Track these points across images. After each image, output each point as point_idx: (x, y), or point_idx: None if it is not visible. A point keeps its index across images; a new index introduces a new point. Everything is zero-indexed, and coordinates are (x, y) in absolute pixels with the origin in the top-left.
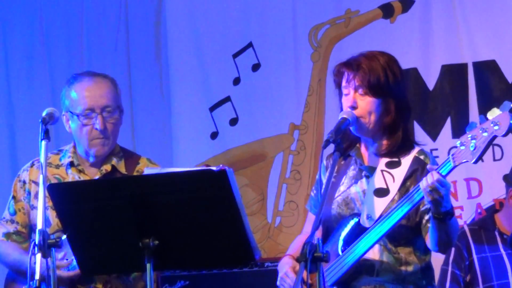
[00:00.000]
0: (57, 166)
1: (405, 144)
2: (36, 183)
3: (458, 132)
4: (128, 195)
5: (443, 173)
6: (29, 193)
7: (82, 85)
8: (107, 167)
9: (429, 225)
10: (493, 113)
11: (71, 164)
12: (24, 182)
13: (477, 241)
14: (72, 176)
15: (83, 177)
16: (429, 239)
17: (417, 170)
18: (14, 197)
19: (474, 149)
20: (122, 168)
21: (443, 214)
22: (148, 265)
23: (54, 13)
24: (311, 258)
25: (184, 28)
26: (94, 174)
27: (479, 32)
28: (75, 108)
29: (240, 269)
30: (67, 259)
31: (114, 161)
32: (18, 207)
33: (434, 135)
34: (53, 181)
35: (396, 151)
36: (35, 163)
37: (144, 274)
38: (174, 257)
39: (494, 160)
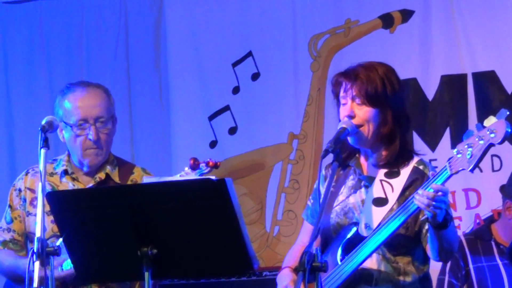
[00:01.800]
0: (51, 174)
1: (404, 155)
2: (32, 190)
3: (457, 142)
4: (127, 203)
5: (440, 182)
6: (24, 200)
7: (75, 96)
8: (101, 175)
9: (428, 235)
10: (490, 121)
11: (65, 172)
12: (20, 190)
13: (474, 251)
14: (66, 183)
15: (77, 185)
16: (430, 249)
17: (417, 180)
18: (10, 206)
19: (470, 157)
20: (115, 177)
21: (443, 221)
22: (146, 274)
23: (54, 22)
24: (310, 268)
25: (184, 37)
26: (87, 182)
27: (479, 42)
28: (69, 119)
29: (238, 278)
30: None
31: (108, 169)
32: (15, 215)
33: (433, 146)
34: (47, 187)
35: (394, 162)
36: (29, 171)
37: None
38: (172, 266)
39: (493, 170)
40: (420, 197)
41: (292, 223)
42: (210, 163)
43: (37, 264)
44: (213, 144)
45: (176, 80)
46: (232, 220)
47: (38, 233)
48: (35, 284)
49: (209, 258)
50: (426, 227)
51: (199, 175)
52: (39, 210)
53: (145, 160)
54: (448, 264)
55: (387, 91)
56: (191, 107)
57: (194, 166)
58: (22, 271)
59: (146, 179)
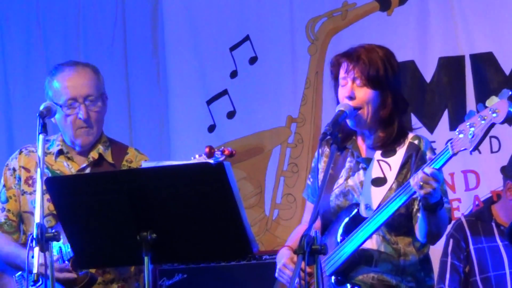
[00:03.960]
0: (45, 154)
1: (400, 136)
2: (26, 169)
3: (455, 124)
4: (126, 188)
5: (442, 162)
6: (19, 179)
7: (63, 76)
8: (94, 155)
9: (419, 214)
10: (492, 101)
11: (60, 152)
12: (14, 170)
13: (474, 232)
14: (61, 163)
15: (71, 165)
16: (417, 230)
17: (412, 156)
18: (4, 186)
19: (472, 137)
20: (109, 157)
21: (434, 204)
22: (146, 258)
23: (51, 8)
24: (309, 251)
25: (181, 22)
26: (82, 162)
27: (476, 24)
28: (58, 99)
29: (238, 262)
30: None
31: (101, 149)
32: (10, 194)
33: (431, 128)
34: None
35: (391, 143)
36: (23, 150)
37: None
38: (172, 250)
39: (492, 152)
40: (414, 176)
41: (291, 206)
42: (226, 152)
43: (36, 249)
44: (211, 129)
45: (173, 65)
46: (231, 204)
47: (37, 219)
48: (35, 270)
49: (208, 242)
50: (417, 206)
51: None
52: (38, 195)
53: (144, 145)
54: (450, 246)
55: (388, 74)
56: (189, 91)
57: (210, 154)
58: (21, 260)
59: (145, 164)
